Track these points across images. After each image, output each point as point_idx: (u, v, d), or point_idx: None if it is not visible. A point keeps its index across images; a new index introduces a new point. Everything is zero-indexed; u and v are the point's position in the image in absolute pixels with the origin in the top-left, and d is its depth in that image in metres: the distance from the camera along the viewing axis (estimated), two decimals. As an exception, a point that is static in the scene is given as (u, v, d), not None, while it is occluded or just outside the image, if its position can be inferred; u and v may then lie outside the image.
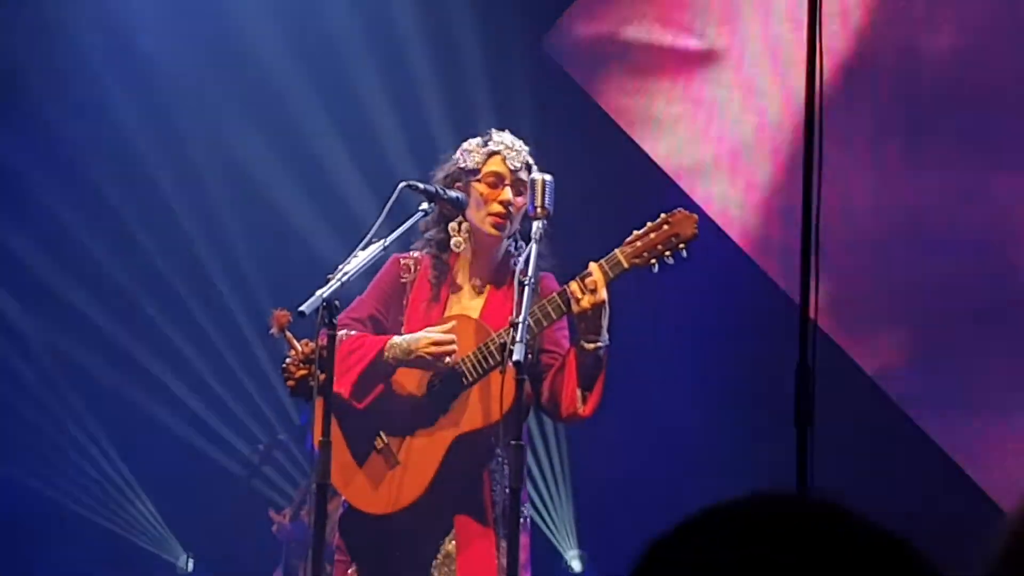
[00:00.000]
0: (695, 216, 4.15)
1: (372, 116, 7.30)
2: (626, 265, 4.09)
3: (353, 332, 4.24)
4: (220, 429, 7.64)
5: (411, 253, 4.41)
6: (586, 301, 4.03)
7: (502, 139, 4.35)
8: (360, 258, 4.06)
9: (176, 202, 7.51)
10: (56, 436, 7.61)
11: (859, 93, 6.64)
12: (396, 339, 4.19)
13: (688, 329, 6.85)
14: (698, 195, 6.84)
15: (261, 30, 7.28)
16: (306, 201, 7.38)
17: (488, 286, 4.35)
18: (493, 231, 4.28)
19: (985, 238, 6.52)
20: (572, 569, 7.34)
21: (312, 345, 4.03)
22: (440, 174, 4.37)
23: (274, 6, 7.33)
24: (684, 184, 6.92)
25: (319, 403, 3.95)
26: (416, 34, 7.24)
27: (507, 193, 4.26)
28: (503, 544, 4.07)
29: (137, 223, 7.53)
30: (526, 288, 3.90)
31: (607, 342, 4.09)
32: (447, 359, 4.13)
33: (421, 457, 4.21)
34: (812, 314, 3.10)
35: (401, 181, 4.22)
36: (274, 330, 4.12)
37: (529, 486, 4.75)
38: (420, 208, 4.28)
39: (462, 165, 4.33)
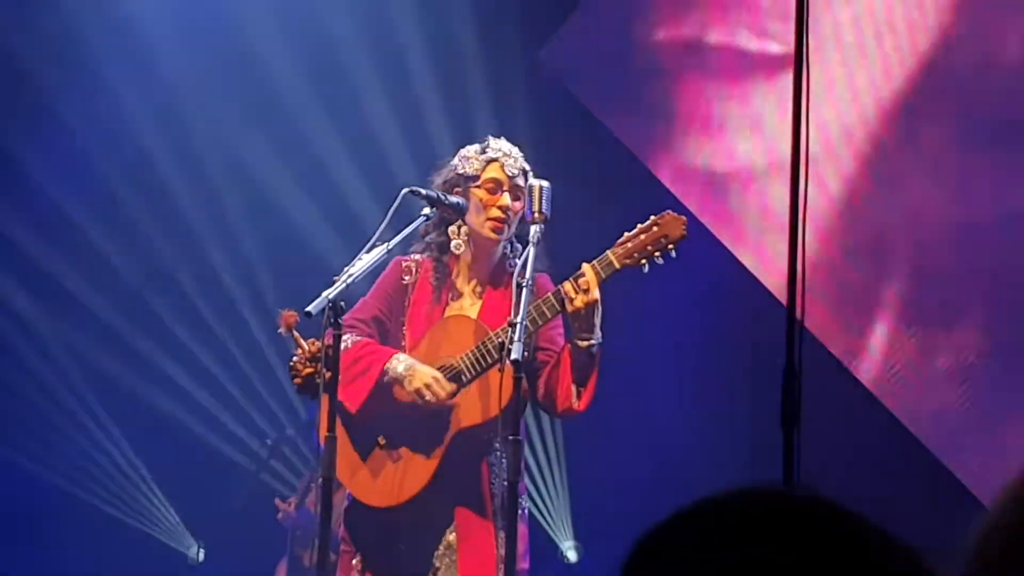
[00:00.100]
0: (683, 218, 4.18)
1: (375, 124, 7.29)
2: (617, 266, 4.10)
3: (358, 337, 4.24)
4: (230, 425, 7.63)
5: (412, 256, 4.40)
6: (579, 300, 4.04)
7: (500, 146, 4.35)
8: (365, 261, 4.07)
9: (190, 208, 7.50)
10: (74, 432, 7.60)
11: (941, 96, 6.47)
12: (396, 364, 4.19)
13: (678, 326, 6.84)
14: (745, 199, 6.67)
15: (271, 46, 7.27)
16: (313, 207, 7.38)
17: (486, 287, 4.35)
18: (492, 235, 4.29)
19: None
20: (568, 559, 7.33)
21: (318, 344, 4.03)
22: (439, 179, 4.37)
23: (283, 24, 7.32)
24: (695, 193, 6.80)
25: (325, 400, 3.96)
26: (418, 44, 7.23)
27: (506, 199, 4.27)
28: (502, 535, 4.07)
29: (153, 228, 7.52)
30: (524, 289, 3.91)
31: (600, 340, 4.10)
32: (427, 398, 4.14)
33: (422, 452, 4.22)
34: (799, 315, 3.09)
35: (404, 187, 4.22)
36: (282, 330, 4.12)
37: (526, 479, 4.75)
38: (422, 213, 4.28)
39: (461, 171, 4.33)
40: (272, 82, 7.30)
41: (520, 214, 4.26)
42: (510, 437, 3.93)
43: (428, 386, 4.14)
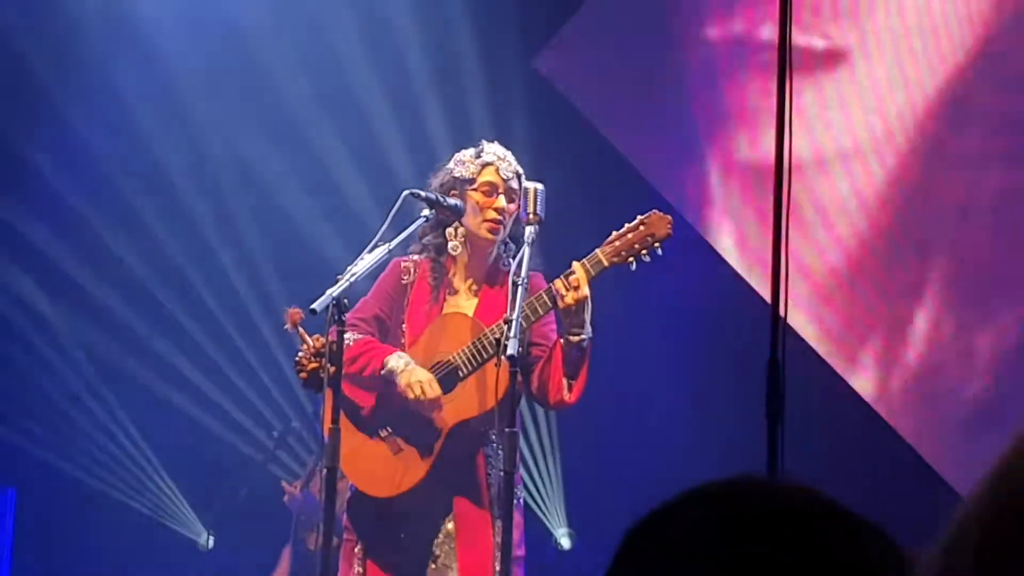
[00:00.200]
0: (669, 217, 4.20)
1: (377, 129, 7.28)
2: (606, 263, 4.11)
3: (359, 335, 4.24)
4: (239, 417, 7.63)
5: (411, 257, 4.40)
6: (570, 297, 4.05)
7: (494, 150, 4.35)
8: (367, 260, 4.08)
9: (200, 211, 7.49)
10: (88, 425, 7.59)
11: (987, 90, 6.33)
12: (392, 362, 4.18)
13: (666, 320, 6.83)
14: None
15: (275, 55, 7.26)
16: (317, 209, 7.37)
17: (482, 286, 4.35)
18: (489, 236, 4.29)
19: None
20: (562, 546, 7.32)
21: (323, 340, 4.03)
22: (435, 182, 4.36)
23: (288, 32, 7.31)
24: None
25: (328, 393, 3.96)
26: (417, 49, 7.22)
27: (501, 201, 4.27)
28: (498, 523, 4.06)
29: (165, 229, 7.51)
30: (519, 288, 3.93)
31: (590, 334, 4.12)
32: (415, 395, 4.13)
33: (421, 444, 4.22)
34: (783, 311, 3.08)
35: (404, 189, 4.22)
36: (288, 326, 4.12)
37: (522, 469, 4.75)
38: (422, 214, 4.28)
39: (457, 175, 4.32)
40: (276, 88, 7.28)
41: (514, 215, 4.28)
42: (506, 429, 3.95)
43: (419, 383, 4.13)
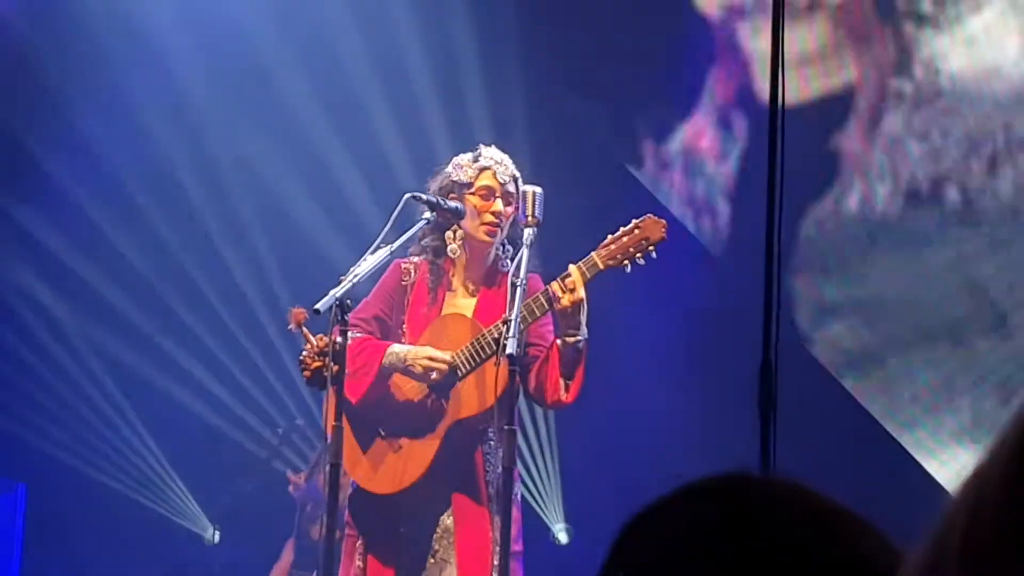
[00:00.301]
0: (663, 221, 4.19)
1: (379, 133, 7.27)
2: (601, 266, 4.10)
3: (358, 335, 4.22)
4: (244, 415, 7.63)
5: (411, 259, 4.39)
6: (566, 299, 4.03)
7: (491, 154, 4.33)
8: (369, 262, 4.07)
9: (207, 213, 7.48)
10: (96, 422, 7.58)
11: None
12: (395, 348, 4.18)
13: (660, 321, 6.82)
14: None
15: (279, 59, 7.25)
16: (321, 210, 7.36)
17: (480, 287, 4.34)
18: (487, 238, 4.27)
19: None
20: (559, 541, 7.31)
21: (326, 340, 4.02)
22: (434, 186, 4.35)
23: (291, 35, 7.30)
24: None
25: (332, 392, 3.95)
26: (419, 53, 7.21)
27: (499, 204, 4.26)
28: (496, 519, 4.04)
29: (173, 231, 7.50)
30: (518, 289, 3.92)
31: (586, 335, 4.10)
32: (434, 375, 4.13)
33: (421, 442, 4.20)
34: (775, 310, 3.07)
35: (405, 192, 4.21)
36: (292, 326, 4.11)
37: (520, 466, 4.74)
38: (423, 217, 4.27)
39: (455, 178, 4.31)
40: (280, 92, 7.27)
41: (512, 218, 4.27)
42: (505, 427, 3.94)
43: (425, 357, 4.13)
